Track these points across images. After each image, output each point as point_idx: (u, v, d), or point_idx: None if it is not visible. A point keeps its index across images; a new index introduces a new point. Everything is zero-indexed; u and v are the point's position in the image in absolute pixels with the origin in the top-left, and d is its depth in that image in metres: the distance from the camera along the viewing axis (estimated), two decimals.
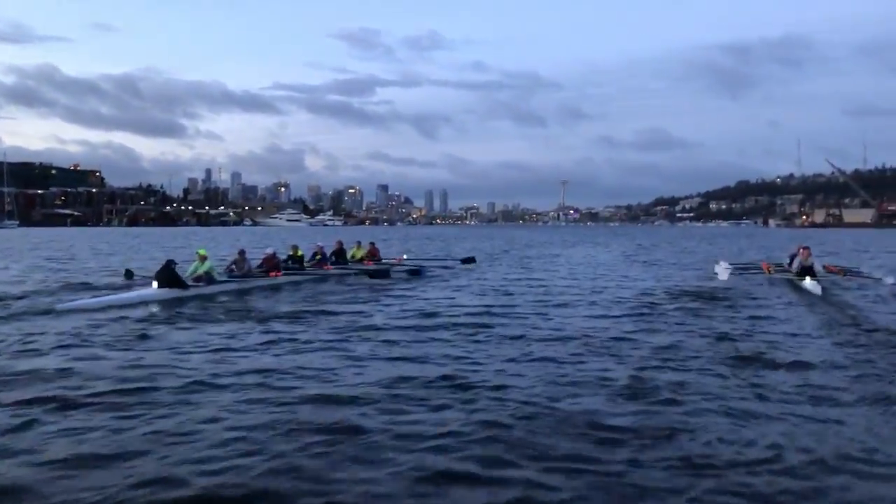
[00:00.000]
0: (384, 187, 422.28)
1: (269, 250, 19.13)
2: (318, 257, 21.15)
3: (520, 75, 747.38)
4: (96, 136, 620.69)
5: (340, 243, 23.07)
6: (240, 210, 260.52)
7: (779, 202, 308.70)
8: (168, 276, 15.04)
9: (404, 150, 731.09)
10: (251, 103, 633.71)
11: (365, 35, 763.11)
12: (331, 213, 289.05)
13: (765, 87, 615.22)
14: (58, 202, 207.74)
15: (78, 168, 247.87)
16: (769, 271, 20.51)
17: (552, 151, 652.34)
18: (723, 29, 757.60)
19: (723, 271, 20.40)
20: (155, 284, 14.96)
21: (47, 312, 12.85)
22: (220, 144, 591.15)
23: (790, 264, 19.82)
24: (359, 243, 24.08)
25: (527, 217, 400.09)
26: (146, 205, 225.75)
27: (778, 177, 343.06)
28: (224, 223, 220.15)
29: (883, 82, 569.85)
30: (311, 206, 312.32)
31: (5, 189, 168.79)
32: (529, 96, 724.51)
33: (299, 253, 20.42)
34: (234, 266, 17.71)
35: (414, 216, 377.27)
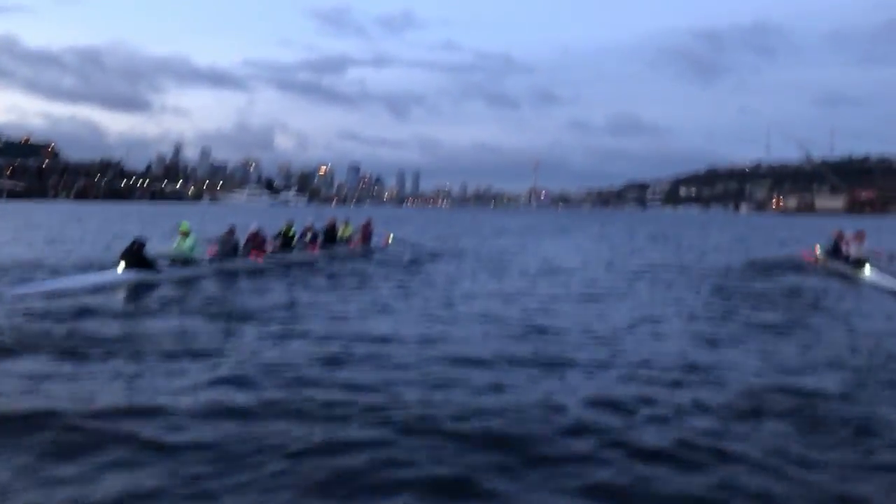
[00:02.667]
0: (356, 167, 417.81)
1: (254, 227, 17.38)
2: (309, 236, 19.82)
3: (493, 57, 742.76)
4: (59, 109, 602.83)
5: (333, 220, 22.01)
6: (200, 186, 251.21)
7: (748, 188, 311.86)
8: (136, 256, 13.26)
9: (376, 130, 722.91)
10: (219, 79, 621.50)
11: (337, 14, 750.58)
12: (294, 191, 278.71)
13: (736, 74, 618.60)
14: (5, 175, 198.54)
15: (29, 141, 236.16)
16: (820, 262, 18.46)
17: (525, 134, 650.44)
18: (695, 15, 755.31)
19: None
20: (121, 266, 13.12)
21: None
22: (187, 120, 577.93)
23: (834, 252, 18.21)
24: (346, 222, 22.99)
25: (499, 199, 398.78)
26: (101, 179, 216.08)
27: (747, 163, 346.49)
28: (180, 199, 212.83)
29: (851, 72, 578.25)
30: (281, 185, 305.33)
31: None
32: (502, 78, 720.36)
33: (291, 231, 18.99)
34: (221, 245, 15.93)
35: (385, 197, 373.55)
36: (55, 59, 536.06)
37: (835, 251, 18.11)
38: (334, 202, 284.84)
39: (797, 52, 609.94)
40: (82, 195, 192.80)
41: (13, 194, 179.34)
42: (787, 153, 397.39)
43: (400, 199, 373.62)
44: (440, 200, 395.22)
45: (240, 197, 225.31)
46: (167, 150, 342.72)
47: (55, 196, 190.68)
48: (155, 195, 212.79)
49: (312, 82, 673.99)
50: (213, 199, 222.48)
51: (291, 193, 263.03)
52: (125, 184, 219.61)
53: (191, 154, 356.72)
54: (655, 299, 12.52)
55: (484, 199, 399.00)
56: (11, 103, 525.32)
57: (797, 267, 18.71)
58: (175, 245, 14.57)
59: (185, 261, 14.40)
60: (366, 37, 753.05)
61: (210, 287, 13.28)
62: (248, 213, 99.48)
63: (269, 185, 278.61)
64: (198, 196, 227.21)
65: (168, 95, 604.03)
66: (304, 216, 26.23)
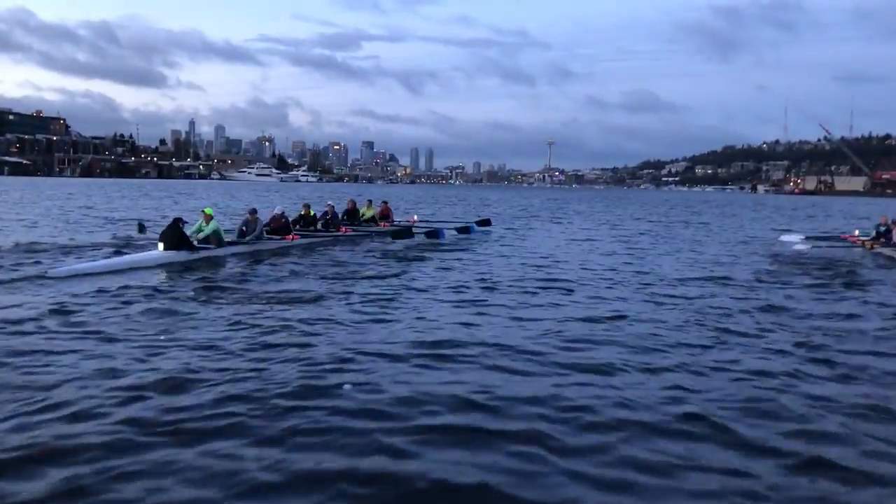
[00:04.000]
0: (369, 144, 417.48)
1: (278, 209, 17.14)
2: (329, 217, 19.25)
3: (508, 32, 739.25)
4: (74, 83, 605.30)
5: (353, 202, 21.71)
6: (210, 163, 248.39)
7: (765, 168, 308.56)
8: (175, 236, 13.32)
9: (390, 107, 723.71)
10: (233, 54, 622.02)
11: None
12: (304, 168, 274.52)
13: (755, 51, 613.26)
14: (13, 150, 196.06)
15: (40, 114, 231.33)
16: (868, 246, 17.73)
17: (540, 111, 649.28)
18: None
19: (798, 242, 17.97)
20: (161, 246, 13.16)
21: (38, 278, 10.90)
22: (201, 96, 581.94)
23: (880, 237, 17.43)
24: (370, 202, 22.41)
25: (512, 178, 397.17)
26: (111, 155, 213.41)
27: (764, 142, 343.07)
28: (189, 176, 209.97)
29: (874, 48, 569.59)
30: (296, 162, 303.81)
31: None
32: (517, 54, 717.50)
33: (311, 213, 18.70)
34: (245, 227, 15.67)
35: (399, 174, 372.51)
36: (70, 33, 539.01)
37: (885, 236, 17.30)
38: (346, 179, 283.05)
39: (817, 27, 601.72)
40: (88, 172, 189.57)
41: (19, 169, 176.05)
42: (805, 132, 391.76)
43: (414, 177, 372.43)
44: (454, 178, 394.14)
45: (249, 174, 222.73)
46: (182, 127, 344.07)
47: (60, 172, 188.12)
48: (163, 172, 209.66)
49: (327, 57, 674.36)
50: (223, 176, 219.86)
51: (301, 171, 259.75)
52: (133, 160, 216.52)
53: (206, 130, 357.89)
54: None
55: (497, 178, 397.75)
56: (25, 78, 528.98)
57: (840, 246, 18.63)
58: (196, 227, 14.44)
59: (217, 242, 14.35)
60: (380, 11, 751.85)
61: (257, 263, 13.64)
62: (261, 188, 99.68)
63: (282, 162, 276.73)
64: (206, 173, 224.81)
65: (182, 70, 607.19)
66: (314, 193, 25.60)
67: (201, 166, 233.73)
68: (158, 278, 11.52)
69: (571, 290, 11.15)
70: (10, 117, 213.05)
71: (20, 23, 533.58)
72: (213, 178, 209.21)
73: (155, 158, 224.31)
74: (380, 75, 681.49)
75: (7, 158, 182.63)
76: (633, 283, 12.15)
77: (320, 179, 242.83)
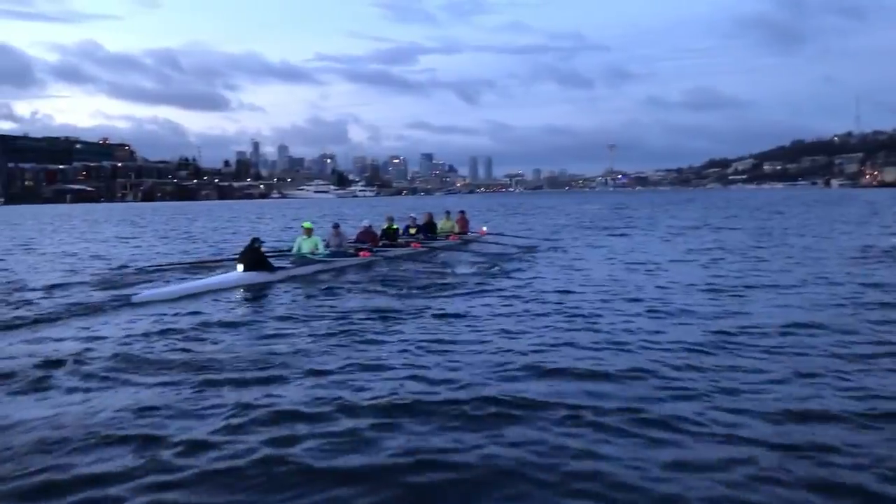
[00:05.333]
0: (428, 156, 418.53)
1: (365, 223, 17.81)
2: (412, 230, 19.91)
3: (563, 36, 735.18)
4: (142, 111, 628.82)
5: (430, 215, 21.91)
6: (270, 182, 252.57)
7: (837, 161, 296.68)
8: (253, 257, 13.46)
9: (447, 118, 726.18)
10: (291, 75, 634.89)
11: (405, 2, 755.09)
12: (362, 183, 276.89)
13: (821, 41, 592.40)
14: (80, 177, 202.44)
15: (107, 142, 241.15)
16: None
17: (598, 114, 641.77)
18: None
19: None
20: (240, 267, 13.27)
21: (123, 304, 11.05)
22: (263, 117, 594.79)
23: None
24: (447, 213, 22.97)
25: (573, 183, 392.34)
26: (174, 178, 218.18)
27: (835, 135, 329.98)
28: (249, 196, 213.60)
29: None
30: (357, 178, 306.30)
31: None
32: (573, 58, 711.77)
33: (394, 226, 19.09)
34: (328, 242, 16.09)
35: (457, 185, 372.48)
36: (135, 62, 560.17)
37: None
38: (403, 193, 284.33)
39: (888, 12, 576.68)
40: (149, 196, 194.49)
41: (82, 196, 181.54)
42: (879, 122, 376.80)
43: (473, 186, 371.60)
44: (513, 186, 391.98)
45: (307, 192, 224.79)
46: (245, 148, 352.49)
47: (123, 197, 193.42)
48: (223, 193, 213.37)
49: (383, 73, 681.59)
50: (282, 194, 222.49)
51: (360, 186, 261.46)
52: (195, 182, 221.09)
53: (269, 150, 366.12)
54: None
55: (558, 183, 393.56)
56: (96, 108, 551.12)
57: None
58: (297, 243, 14.74)
59: (305, 259, 14.61)
60: (434, 24, 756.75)
61: (335, 281, 13.59)
62: (319, 205, 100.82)
63: (341, 179, 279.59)
64: (266, 192, 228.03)
65: (244, 93, 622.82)
66: (378, 207, 25.71)
67: (262, 186, 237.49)
68: (244, 299, 11.77)
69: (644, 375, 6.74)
70: (78, 146, 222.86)
71: (89, 55, 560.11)
72: (272, 198, 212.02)
73: (216, 180, 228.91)
74: (435, 87, 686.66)
75: (71, 186, 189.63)
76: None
77: (378, 194, 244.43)
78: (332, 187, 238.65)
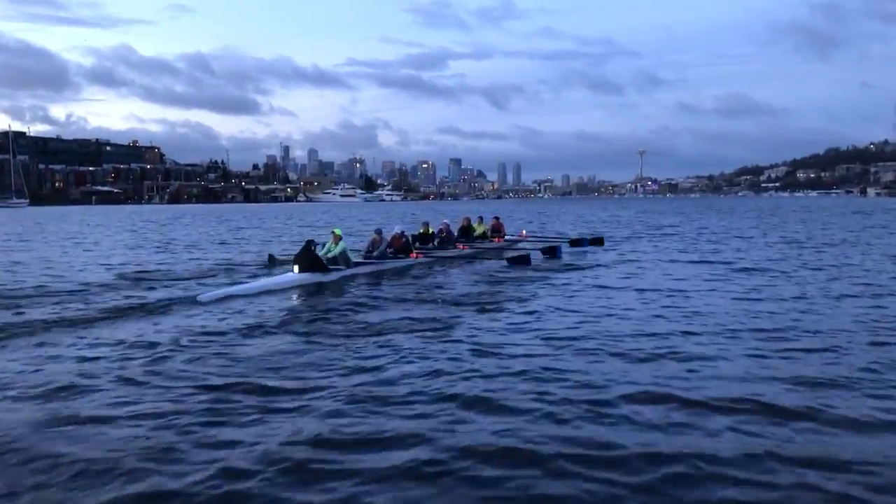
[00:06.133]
0: (457, 161, 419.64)
1: (397, 229, 17.62)
2: (444, 235, 19.78)
3: (593, 42, 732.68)
4: (174, 114, 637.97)
5: (468, 219, 22.11)
6: (297, 186, 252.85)
7: (873, 170, 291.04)
8: (309, 258, 13.93)
9: (476, 124, 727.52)
10: (322, 79, 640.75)
11: (437, 7, 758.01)
12: (389, 187, 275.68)
13: (858, 47, 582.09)
14: (108, 179, 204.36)
15: (136, 144, 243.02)
16: None
17: (629, 120, 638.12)
18: None
19: None
20: (296, 269, 13.81)
21: (188, 303, 11.45)
22: (294, 121, 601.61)
23: None
24: (480, 219, 23.02)
25: (603, 189, 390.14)
26: (202, 181, 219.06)
27: (871, 143, 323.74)
28: (275, 199, 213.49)
29: None
30: (385, 182, 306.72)
31: (12, 160, 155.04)
32: (604, 64, 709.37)
33: (430, 231, 19.38)
34: (371, 247, 16.47)
35: (485, 190, 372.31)
36: (168, 66, 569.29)
37: None
38: (431, 197, 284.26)
39: None
40: (176, 198, 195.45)
41: (108, 198, 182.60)
42: None
43: (501, 192, 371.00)
44: (542, 192, 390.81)
45: (333, 196, 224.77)
46: (276, 152, 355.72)
47: (150, 199, 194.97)
48: (249, 196, 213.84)
49: (413, 78, 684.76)
50: (308, 198, 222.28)
51: (386, 190, 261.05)
52: (221, 185, 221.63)
53: (299, 154, 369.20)
54: None
55: (587, 190, 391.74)
56: (130, 112, 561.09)
57: None
58: (326, 248, 14.92)
59: (345, 262, 14.88)
60: (465, 29, 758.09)
61: (387, 282, 14.17)
62: (344, 209, 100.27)
63: (369, 183, 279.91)
64: (292, 196, 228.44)
65: (275, 97, 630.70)
66: (404, 211, 25.54)
67: (289, 189, 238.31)
68: (301, 299, 12.25)
69: None
70: (108, 148, 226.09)
71: (123, 59, 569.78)
72: (298, 201, 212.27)
73: (243, 183, 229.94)
74: (465, 92, 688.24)
75: (97, 188, 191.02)
76: None
77: (405, 198, 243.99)
78: (358, 191, 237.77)
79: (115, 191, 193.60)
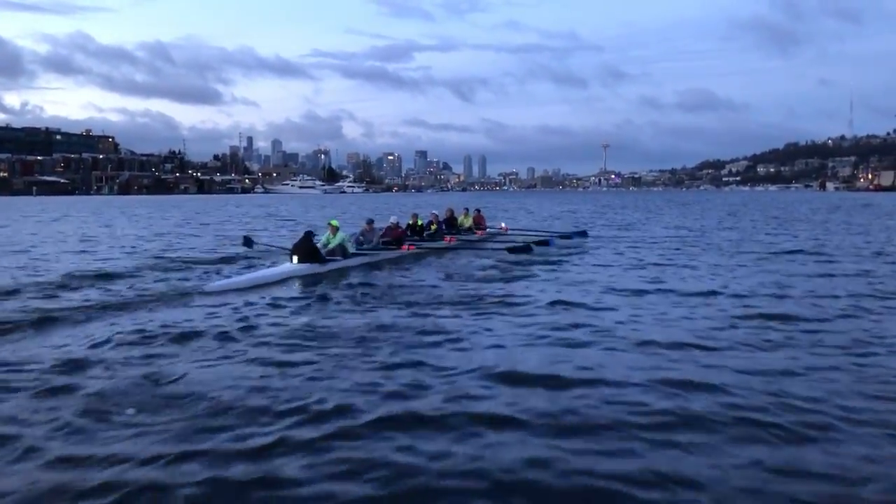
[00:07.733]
0: (423, 153, 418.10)
1: (393, 219, 17.52)
2: (434, 227, 19.62)
3: (558, 35, 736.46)
4: (134, 104, 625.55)
5: (451, 211, 21.72)
6: (255, 177, 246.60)
7: (830, 165, 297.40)
8: (307, 249, 14.00)
9: (442, 116, 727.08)
10: (286, 70, 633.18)
11: None
12: (350, 179, 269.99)
13: (817, 44, 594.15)
14: (58, 169, 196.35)
15: (89, 133, 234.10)
16: None
17: (593, 114, 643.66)
18: None
19: None
20: (294, 259, 13.88)
21: (189, 295, 11.31)
22: (257, 111, 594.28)
23: None
24: (466, 210, 22.77)
25: (567, 182, 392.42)
26: (158, 172, 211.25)
27: (829, 138, 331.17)
28: (231, 190, 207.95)
29: None
30: (350, 174, 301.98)
31: None
32: (569, 57, 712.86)
33: (420, 222, 19.18)
34: (362, 237, 16.36)
35: (451, 182, 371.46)
36: (127, 54, 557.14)
37: None
38: (395, 189, 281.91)
39: (886, 17, 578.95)
40: (126, 188, 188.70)
41: (52, 188, 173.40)
42: (873, 126, 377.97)
43: (466, 185, 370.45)
44: (507, 185, 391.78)
45: (291, 187, 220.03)
46: (239, 143, 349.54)
47: (98, 190, 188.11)
48: (203, 187, 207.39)
49: (379, 69, 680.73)
50: (266, 189, 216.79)
51: (347, 182, 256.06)
52: (174, 176, 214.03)
53: (262, 145, 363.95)
54: None
55: (552, 183, 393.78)
56: (88, 100, 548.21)
57: None
58: (324, 239, 14.90)
59: (342, 253, 14.91)
60: (431, 21, 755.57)
61: (382, 273, 14.25)
62: (303, 201, 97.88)
63: (331, 174, 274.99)
64: (249, 187, 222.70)
65: (237, 87, 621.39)
66: (366, 204, 25.00)
67: (247, 180, 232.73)
68: (302, 289, 12.19)
69: None
70: (58, 137, 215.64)
71: (80, 47, 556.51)
72: (255, 192, 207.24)
73: (198, 174, 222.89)
74: (431, 84, 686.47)
75: (40, 178, 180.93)
76: None
77: (367, 190, 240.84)
78: (318, 182, 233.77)
79: (61, 181, 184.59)
